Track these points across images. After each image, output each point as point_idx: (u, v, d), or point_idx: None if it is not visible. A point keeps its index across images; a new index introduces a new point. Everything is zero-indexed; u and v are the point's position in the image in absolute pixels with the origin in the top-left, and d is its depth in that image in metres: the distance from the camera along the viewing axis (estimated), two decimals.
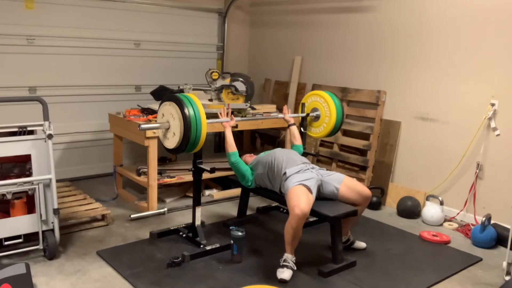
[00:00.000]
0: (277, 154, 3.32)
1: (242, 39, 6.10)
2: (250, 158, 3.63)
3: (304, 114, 3.90)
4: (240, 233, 3.08)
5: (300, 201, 2.84)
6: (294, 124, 3.77)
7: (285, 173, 3.12)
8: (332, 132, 3.82)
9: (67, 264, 3.02)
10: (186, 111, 2.92)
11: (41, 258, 3.07)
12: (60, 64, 4.61)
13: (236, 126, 4.09)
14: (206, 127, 2.98)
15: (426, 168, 4.30)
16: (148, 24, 5.15)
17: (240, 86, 4.41)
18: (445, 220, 4.04)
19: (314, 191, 3.03)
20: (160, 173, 4.16)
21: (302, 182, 2.99)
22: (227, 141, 3.35)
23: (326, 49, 5.14)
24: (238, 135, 5.61)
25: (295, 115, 3.98)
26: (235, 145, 3.38)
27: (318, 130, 3.88)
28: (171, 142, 3.06)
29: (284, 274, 2.87)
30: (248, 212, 3.88)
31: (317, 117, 3.86)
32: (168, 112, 3.04)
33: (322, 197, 3.17)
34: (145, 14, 5.11)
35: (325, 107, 3.78)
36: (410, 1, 4.32)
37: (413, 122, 4.38)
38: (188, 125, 2.91)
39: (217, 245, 3.26)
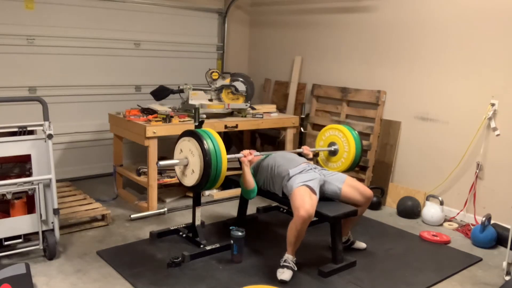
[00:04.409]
0: (278, 157, 3.31)
1: (242, 39, 6.10)
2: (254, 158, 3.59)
3: (325, 149, 3.76)
4: (240, 233, 3.08)
5: (305, 202, 2.84)
6: (312, 159, 3.63)
7: (288, 174, 3.11)
8: (351, 167, 3.70)
9: (67, 264, 3.02)
10: (206, 147, 2.82)
11: (41, 258, 3.07)
12: (60, 64, 4.61)
13: (236, 126, 4.08)
14: (226, 163, 2.89)
15: (426, 168, 4.30)
16: (148, 24, 5.15)
17: (240, 86, 4.42)
18: (445, 220, 4.04)
19: (317, 191, 3.02)
20: (160, 173, 4.16)
21: (306, 183, 2.99)
22: (246, 179, 3.22)
23: (326, 49, 5.14)
24: (238, 135, 5.61)
25: (316, 149, 3.82)
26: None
27: (336, 165, 3.74)
28: (190, 179, 2.98)
29: (284, 274, 2.87)
30: (248, 212, 3.88)
31: (335, 152, 3.73)
32: (187, 148, 2.96)
33: (325, 197, 3.17)
34: (145, 14, 5.11)
35: (344, 141, 3.66)
36: (410, 1, 4.31)
37: (413, 122, 4.38)
38: (208, 162, 2.81)
39: (217, 245, 3.26)
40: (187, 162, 2.98)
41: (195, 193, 3.36)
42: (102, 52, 4.86)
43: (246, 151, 3.27)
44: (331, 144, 3.77)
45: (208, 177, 2.85)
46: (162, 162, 2.96)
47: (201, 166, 2.84)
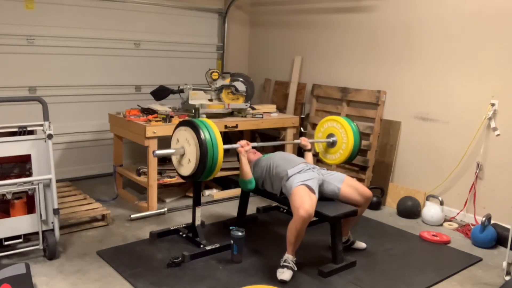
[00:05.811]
0: (276, 158, 3.32)
1: (242, 39, 6.10)
2: (254, 156, 3.59)
3: (324, 140, 3.75)
4: (240, 233, 3.08)
5: (304, 201, 2.84)
6: (310, 150, 3.64)
7: (286, 174, 3.12)
8: (349, 159, 3.69)
9: (67, 264, 3.02)
10: (202, 136, 2.83)
11: (41, 258, 3.07)
12: (60, 64, 4.61)
13: (236, 126, 4.07)
14: (222, 153, 2.90)
15: (426, 168, 4.30)
16: (148, 24, 5.15)
17: (240, 86, 4.42)
18: (445, 220, 4.04)
19: (316, 190, 3.02)
20: (160, 173, 4.15)
21: (305, 182, 2.99)
22: (242, 169, 3.26)
23: (326, 49, 5.14)
24: (238, 135, 5.61)
25: (314, 140, 3.82)
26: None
27: (335, 157, 3.74)
28: (186, 169, 2.98)
29: (284, 274, 2.87)
30: (248, 212, 3.88)
31: (333, 143, 3.72)
32: (183, 137, 2.97)
33: (323, 196, 3.17)
34: (145, 14, 5.11)
35: (342, 133, 3.65)
36: (410, 1, 4.31)
37: (413, 122, 4.38)
38: (204, 151, 2.82)
39: (217, 245, 3.26)
40: (184, 151, 2.98)
41: (194, 188, 3.35)
42: (102, 52, 4.86)
43: (243, 142, 3.31)
44: (330, 135, 3.76)
45: (204, 166, 2.86)
46: (158, 152, 2.99)
47: (197, 155, 2.84)
